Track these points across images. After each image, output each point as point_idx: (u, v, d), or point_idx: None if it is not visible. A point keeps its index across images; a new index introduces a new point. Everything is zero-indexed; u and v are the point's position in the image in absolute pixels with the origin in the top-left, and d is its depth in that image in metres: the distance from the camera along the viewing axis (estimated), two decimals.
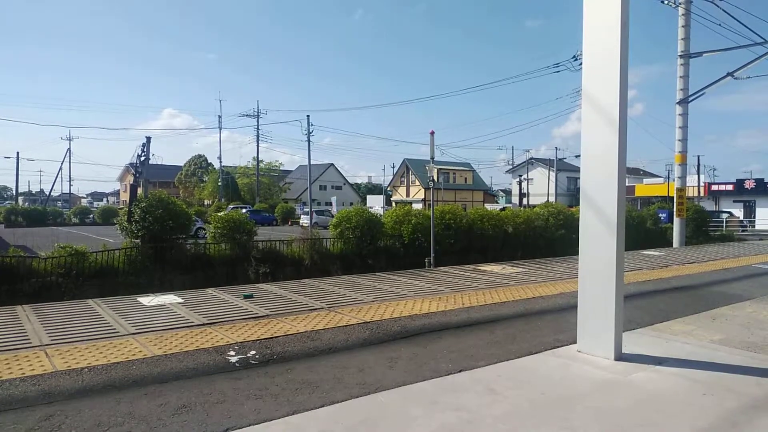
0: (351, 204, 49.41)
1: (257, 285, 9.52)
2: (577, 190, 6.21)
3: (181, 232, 14.21)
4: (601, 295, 4.72)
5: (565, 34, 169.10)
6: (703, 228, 25.56)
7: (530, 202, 52.28)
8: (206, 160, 70.60)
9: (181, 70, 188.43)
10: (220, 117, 60.16)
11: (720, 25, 19.70)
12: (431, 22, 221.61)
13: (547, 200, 44.10)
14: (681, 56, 19.75)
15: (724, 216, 36.82)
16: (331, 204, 51.18)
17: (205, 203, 58.51)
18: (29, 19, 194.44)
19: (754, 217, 40.84)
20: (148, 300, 7.43)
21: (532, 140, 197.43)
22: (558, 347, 5.19)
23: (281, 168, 68.66)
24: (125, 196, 57.72)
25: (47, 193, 69.30)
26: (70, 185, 67.72)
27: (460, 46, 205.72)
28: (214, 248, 14.49)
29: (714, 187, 45.94)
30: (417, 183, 59.57)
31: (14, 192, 64.42)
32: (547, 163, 62.72)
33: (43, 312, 6.64)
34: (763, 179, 43.18)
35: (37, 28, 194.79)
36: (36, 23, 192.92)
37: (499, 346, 5.34)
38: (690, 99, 19.86)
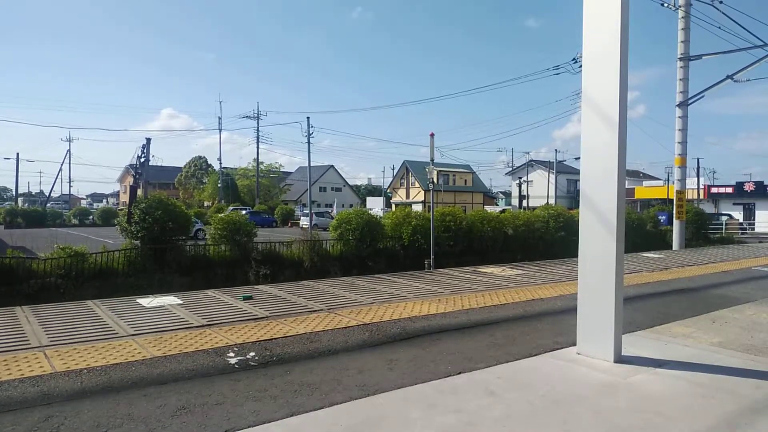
0: (351, 206, 49.36)
1: (257, 287, 9.52)
2: (577, 192, 6.22)
3: (181, 233, 14.19)
4: (600, 297, 4.72)
5: (565, 33, 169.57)
6: (702, 230, 25.53)
7: (530, 204, 52.30)
8: (206, 161, 70.58)
9: (180, 70, 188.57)
10: (220, 118, 60.02)
11: (719, 27, 19.74)
12: (431, 20, 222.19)
13: (547, 202, 44.11)
14: (680, 59, 19.78)
15: (724, 218, 36.82)
16: (332, 206, 51.22)
17: (205, 205, 58.45)
18: (27, 17, 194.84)
19: (754, 219, 40.83)
20: (147, 301, 7.43)
21: (532, 142, 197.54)
22: (557, 349, 5.18)
23: (281, 170, 68.64)
24: (125, 198, 57.70)
25: (47, 194, 69.28)
26: (70, 186, 67.76)
27: (460, 45, 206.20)
28: (213, 250, 14.48)
29: (714, 190, 45.93)
30: (417, 185, 59.55)
31: (14, 193, 64.44)
32: (546, 165, 62.74)
33: (42, 313, 6.64)
34: (762, 182, 43.16)
35: (36, 27, 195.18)
36: (35, 21, 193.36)
37: (499, 348, 5.34)
38: (690, 102, 19.89)
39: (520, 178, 63.22)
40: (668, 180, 49.62)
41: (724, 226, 33.79)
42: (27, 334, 5.58)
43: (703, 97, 20.38)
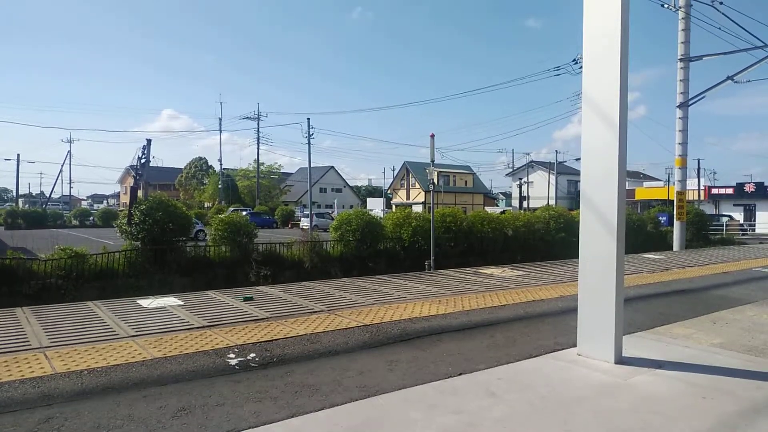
0: (351, 207, 49.34)
1: (257, 287, 9.51)
2: (578, 193, 6.22)
3: (181, 234, 14.18)
4: (601, 298, 4.72)
5: (566, 34, 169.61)
6: (703, 231, 25.54)
7: (530, 205, 52.25)
8: (207, 162, 70.61)
9: (180, 71, 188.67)
10: (220, 119, 60.21)
11: (720, 28, 19.85)
12: (431, 20, 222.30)
13: (548, 203, 44.07)
14: (681, 60, 19.79)
15: (724, 219, 36.85)
16: (332, 207, 51.24)
17: (206, 205, 58.47)
18: (27, 17, 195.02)
19: (754, 220, 40.82)
20: (147, 302, 7.43)
21: (533, 143, 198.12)
22: (558, 350, 5.18)
23: (281, 170, 68.67)
24: (125, 199, 57.76)
25: (47, 196, 69.34)
26: (71, 187, 67.91)
27: (461, 46, 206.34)
28: (214, 251, 14.47)
29: (714, 191, 45.94)
30: (417, 186, 59.55)
31: (15, 194, 64.56)
32: (547, 166, 62.74)
33: (43, 314, 6.64)
34: (763, 183, 43.13)
35: (37, 27, 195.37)
36: (35, 22, 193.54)
37: (499, 349, 5.33)
38: (690, 102, 19.89)
39: (521, 179, 63.14)
40: (669, 181, 49.64)
41: (724, 227, 33.80)
42: (28, 335, 5.58)
43: (703, 97, 20.44)
